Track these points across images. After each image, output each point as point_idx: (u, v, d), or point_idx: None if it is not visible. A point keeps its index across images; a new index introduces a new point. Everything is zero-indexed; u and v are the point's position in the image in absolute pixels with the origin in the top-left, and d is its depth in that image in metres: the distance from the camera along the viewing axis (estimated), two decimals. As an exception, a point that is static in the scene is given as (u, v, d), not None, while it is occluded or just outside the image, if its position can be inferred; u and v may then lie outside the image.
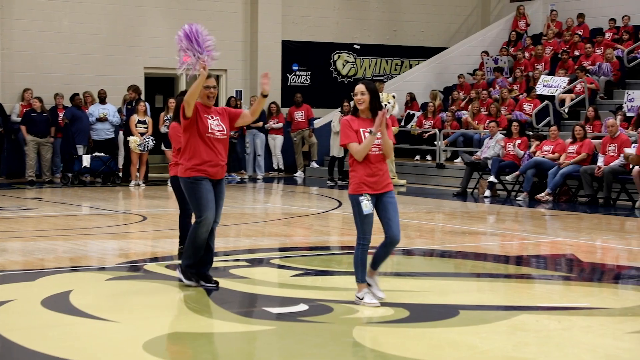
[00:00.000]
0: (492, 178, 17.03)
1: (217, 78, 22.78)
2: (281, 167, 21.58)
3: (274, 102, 21.35)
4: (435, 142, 19.91)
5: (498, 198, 16.85)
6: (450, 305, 7.15)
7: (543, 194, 15.98)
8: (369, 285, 7.02)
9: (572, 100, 19.49)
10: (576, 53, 21.30)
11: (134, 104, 19.05)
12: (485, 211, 15.31)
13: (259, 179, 20.56)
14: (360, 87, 6.92)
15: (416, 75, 23.58)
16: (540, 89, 19.72)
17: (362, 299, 6.92)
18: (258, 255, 8.98)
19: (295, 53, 22.87)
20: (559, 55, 21.25)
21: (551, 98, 19.37)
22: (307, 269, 8.84)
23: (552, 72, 20.56)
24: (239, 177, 20.51)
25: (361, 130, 6.87)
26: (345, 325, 6.45)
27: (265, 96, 7.59)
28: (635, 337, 6.26)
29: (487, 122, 18.63)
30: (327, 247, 10.77)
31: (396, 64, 24.87)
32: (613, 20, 21.83)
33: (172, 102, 18.89)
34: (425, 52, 24.47)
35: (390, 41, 24.61)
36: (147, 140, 18.30)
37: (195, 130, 7.45)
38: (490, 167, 17.16)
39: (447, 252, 10.26)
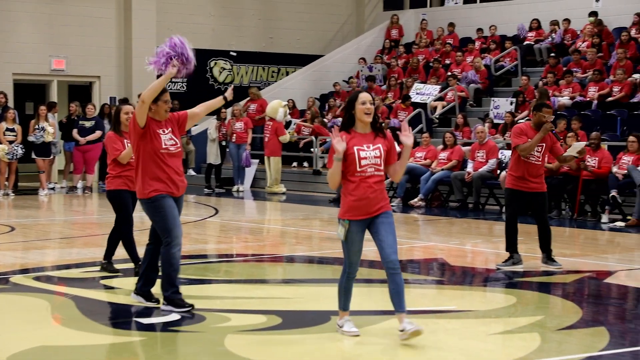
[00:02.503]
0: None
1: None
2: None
3: (107, 105, 21.12)
4: (312, 149, 20.08)
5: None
6: (322, 311, 7.22)
7: (416, 200, 16.32)
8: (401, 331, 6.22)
9: (443, 107, 20.00)
10: (447, 61, 21.87)
11: (1, 111, 18.48)
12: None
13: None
14: (367, 96, 6.16)
15: (293, 82, 23.72)
16: (413, 97, 20.16)
17: (341, 326, 6.41)
18: (132, 265, 8.84)
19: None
20: (431, 64, 21.78)
21: (423, 105, 19.82)
22: (181, 278, 8.76)
23: (424, 80, 21.06)
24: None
25: (355, 148, 6.10)
26: (217, 334, 6.44)
27: (225, 100, 7.37)
28: (498, 339, 6.49)
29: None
30: (203, 256, 10.71)
31: (273, 71, 24.96)
32: (481, 30, 22.53)
33: (43, 110, 18.47)
34: (301, 60, 24.65)
35: (266, 48, 24.68)
36: (15, 148, 17.79)
37: (149, 147, 7.03)
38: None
39: (324, 259, 10.35)
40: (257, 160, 20.34)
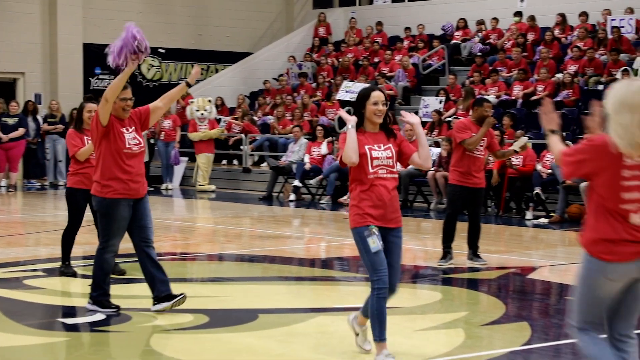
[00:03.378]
0: (296, 182, 17.32)
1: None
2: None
3: (75, 108, 20.72)
4: (242, 147, 20.03)
5: (303, 202, 17.16)
6: (250, 309, 7.22)
7: (345, 197, 16.40)
8: (356, 334, 5.90)
9: (372, 105, 20.11)
10: (376, 60, 22.02)
11: None
12: (290, 215, 15.55)
13: (60, 185, 19.91)
14: (380, 96, 5.54)
15: (222, 79, 23.61)
16: (342, 95, 20.24)
17: None
18: (57, 265, 8.71)
19: (98, 56, 22.23)
20: (360, 62, 21.91)
21: (353, 103, 19.88)
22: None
23: (353, 78, 21.17)
24: (40, 184, 19.80)
25: (367, 148, 5.47)
26: (142, 334, 6.38)
27: (189, 86, 7.14)
28: (424, 334, 6.57)
29: (291, 126, 18.95)
30: (131, 254, 10.56)
31: (202, 69, 24.79)
32: (409, 28, 22.75)
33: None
34: (231, 57, 24.56)
35: (196, 45, 24.51)
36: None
37: (111, 146, 6.76)
38: (295, 171, 17.45)
39: (254, 257, 10.34)
40: (187, 158, 20.21)
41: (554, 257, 10.88)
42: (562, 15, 19.76)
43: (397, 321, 6.63)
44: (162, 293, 6.92)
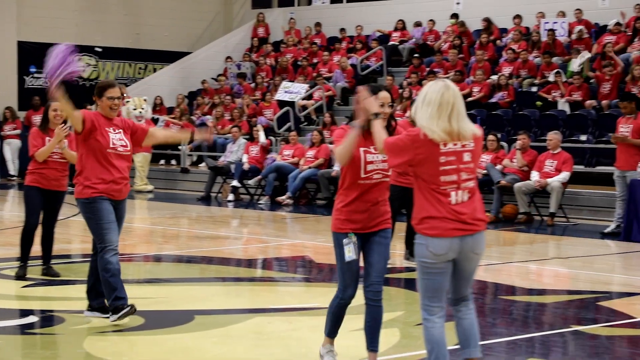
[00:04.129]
0: (235, 182, 17.28)
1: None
2: (16, 173, 20.73)
3: (8, 107, 20.46)
4: (180, 147, 19.90)
5: (241, 202, 17.13)
6: (186, 311, 7.19)
7: (284, 197, 16.42)
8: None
9: (311, 106, 20.19)
10: (315, 60, 22.08)
11: None
12: (229, 215, 15.51)
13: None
14: (387, 97, 5.25)
15: (160, 79, 23.44)
16: (281, 95, 20.26)
17: (322, 356, 5.63)
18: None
19: (32, 54, 21.96)
20: (299, 63, 21.94)
21: (292, 104, 19.96)
22: (40, 279, 8.54)
23: (292, 79, 21.20)
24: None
25: (362, 150, 5.24)
26: (76, 336, 6.31)
27: (191, 141, 7.01)
28: (358, 335, 6.60)
29: (230, 126, 18.91)
30: (66, 256, 10.46)
31: (140, 68, 24.60)
32: (344, 30, 22.88)
33: None
34: (169, 56, 24.39)
35: (133, 44, 24.29)
36: None
37: (94, 145, 6.52)
38: (233, 171, 17.41)
39: (192, 258, 10.29)
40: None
41: (489, 256, 11.02)
42: (488, 20, 19.99)
43: (333, 321, 6.65)
44: (98, 301, 6.77)
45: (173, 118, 20.79)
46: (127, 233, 12.89)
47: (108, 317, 6.58)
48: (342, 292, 5.40)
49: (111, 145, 6.56)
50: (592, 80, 16.81)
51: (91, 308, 6.82)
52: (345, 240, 5.29)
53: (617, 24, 17.78)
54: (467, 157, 4.73)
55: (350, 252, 5.29)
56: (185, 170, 19.68)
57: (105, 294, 6.59)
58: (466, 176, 4.75)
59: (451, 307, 4.97)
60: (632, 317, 7.19)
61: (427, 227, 4.70)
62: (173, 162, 20.67)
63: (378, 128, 4.93)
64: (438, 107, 4.67)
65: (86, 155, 6.56)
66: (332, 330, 5.58)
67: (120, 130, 6.67)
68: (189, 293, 8.13)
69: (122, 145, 6.62)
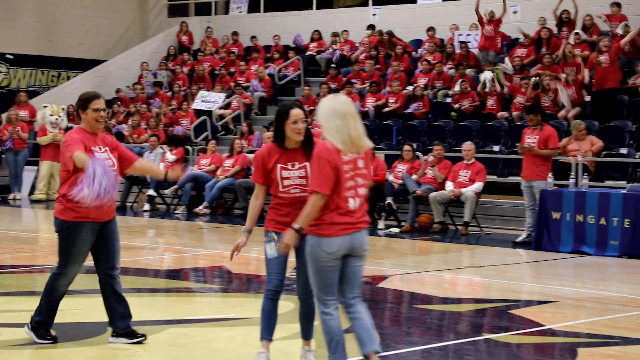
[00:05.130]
0: (151, 192, 17.10)
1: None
2: None
3: None
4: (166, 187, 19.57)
5: (157, 212, 16.95)
6: (100, 322, 7.07)
7: (201, 207, 16.31)
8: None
9: (228, 115, 20.13)
10: (232, 70, 22.03)
11: None
12: (145, 225, 15.34)
13: None
14: (299, 114, 5.50)
15: (74, 87, 23.01)
16: (198, 104, 20.15)
17: None
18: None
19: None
20: (216, 72, 21.86)
21: (209, 113, 19.86)
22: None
23: (210, 88, 21.11)
24: None
25: (279, 167, 5.57)
26: (-15, 351, 6.15)
27: (165, 177, 6.77)
28: (274, 345, 6.60)
29: (146, 135, 18.71)
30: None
31: (53, 76, 24.16)
32: (255, 37, 22.92)
33: None
34: (83, 64, 24.03)
35: (46, 52, 23.86)
36: None
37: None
38: (149, 180, 17.22)
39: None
40: (36, 168, 19.61)
41: (405, 265, 11.16)
42: (390, 34, 20.25)
43: (248, 332, 6.65)
44: (124, 329, 6.47)
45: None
46: (35, 244, 12.65)
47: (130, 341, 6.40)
48: (267, 283, 5.72)
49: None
50: (504, 91, 17.16)
51: (116, 334, 6.49)
52: (265, 239, 5.66)
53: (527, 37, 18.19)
54: (361, 163, 5.20)
55: (271, 250, 5.63)
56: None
57: (37, 309, 6.44)
58: (362, 182, 5.21)
59: (344, 309, 5.30)
60: (541, 325, 7.36)
61: (321, 229, 5.12)
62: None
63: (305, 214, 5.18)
64: (343, 119, 5.10)
65: (72, 173, 6.13)
66: (264, 331, 5.77)
67: (106, 148, 6.29)
68: (102, 305, 7.99)
69: (109, 166, 6.17)
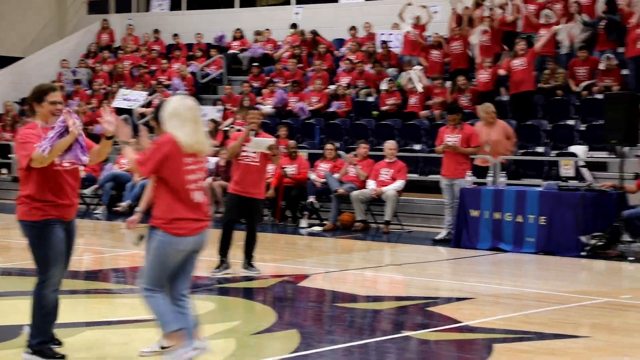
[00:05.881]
0: (70, 192, 16.81)
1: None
2: None
3: None
4: (10, 155, 19.20)
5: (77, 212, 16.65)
6: (12, 325, 6.93)
7: (123, 204, 16.10)
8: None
9: (150, 113, 19.92)
10: (153, 68, 21.81)
11: None
12: (63, 225, 15.06)
13: None
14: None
15: (-9, 84, 22.58)
16: (119, 102, 19.89)
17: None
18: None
19: None
20: (137, 70, 21.61)
21: (130, 111, 19.63)
22: None
23: (131, 86, 20.86)
24: None
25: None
26: None
27: (109, 138, 5.89)
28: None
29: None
30: None
31: (-31, 73, 23.57)
32: (177, 36, 22.77)
33: None
34: (0, 61, 23.50)
35: (-39, 48, 23.30)
36: None
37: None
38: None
39: (24, 270, 9.91)
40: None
41: (327, 264, 11.21)
42: (314, 33, 20.34)
43: (168, 333, 6.59)
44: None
45: (3, 126, 20.02)
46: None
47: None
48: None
49: (57, 161, 5.76)
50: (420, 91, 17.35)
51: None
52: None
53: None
54: (199, 161, 5.48)
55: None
56: (16, 179, 18.97)
57: (32, 331, 5.95)
58: (202, 176, 5.50)
59: (174, 301, 5.51)
60: (458, 322, 7.48)
61: (176, 228, 5.34)
62: (4, 170, 19.90)
63: (129, 151, 5.60)
64: (186, 119, 5.39)
65: (30, 171, 5.79)
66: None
67: None
68: (19, 307, 7.83)
69: (68, 160, 5.80)
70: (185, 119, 5.39)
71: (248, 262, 9.80)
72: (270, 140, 9.68)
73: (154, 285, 5.43)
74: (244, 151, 9.52)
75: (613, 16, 16.34)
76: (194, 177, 5.42)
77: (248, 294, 8.96)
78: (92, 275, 10.07)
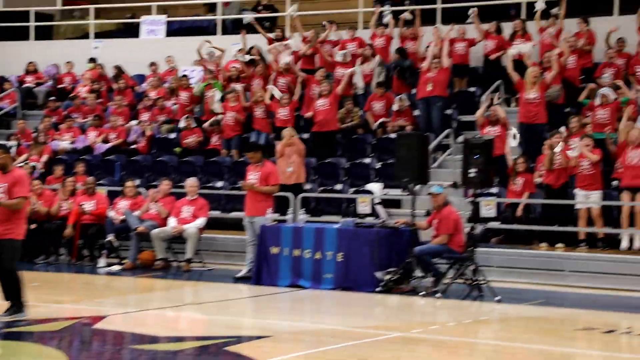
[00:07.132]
0: None
1: None
2: None
3: None
4: None
5: None
6: None
7: None
8: None
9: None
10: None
11: None
12: None
13: None
14: None
15: None
16: None
17: None
18: None
19: None
20: None
21: None
22: None
23: None
24: None
25: None
26: None
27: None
28: None
29: None
30: None
31: None
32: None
33: None
34: None
35: None
36: None
37: None
38: None
39: None
40: None
41: (126, 304, 10.99)
42: (118, 68, 20.09)
43: None
44: None
45: None
46: None
47: None
48: None
49: None
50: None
51: None
52: None
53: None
54: None
55: None
56: None
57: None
58: None
59: None
60: (256, 360, 7.51)
61: None
62: None
63: None
64: None
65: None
66: None
67: None
68: None
69: None
70: None
71: (11, 306, 9.24)
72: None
73: None
74: None
75: (403, 62, 17.09)
76: None
77: (38, 337, 8.60)
78: None
